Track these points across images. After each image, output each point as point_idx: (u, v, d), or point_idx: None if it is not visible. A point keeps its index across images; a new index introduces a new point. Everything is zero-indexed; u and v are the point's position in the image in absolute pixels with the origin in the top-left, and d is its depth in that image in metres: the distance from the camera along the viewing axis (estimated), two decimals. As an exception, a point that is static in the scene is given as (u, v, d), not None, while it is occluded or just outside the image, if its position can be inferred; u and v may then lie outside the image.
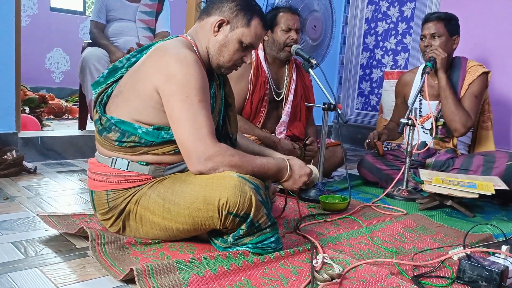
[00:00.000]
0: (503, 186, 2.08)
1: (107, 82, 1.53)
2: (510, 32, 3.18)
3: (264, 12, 2.61)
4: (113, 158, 1.45)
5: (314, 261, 1.39)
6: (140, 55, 1.52)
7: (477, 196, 1.99)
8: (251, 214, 1.33)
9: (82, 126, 3.28)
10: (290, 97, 2.58)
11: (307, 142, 2.49)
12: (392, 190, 2.35)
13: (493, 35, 3.26)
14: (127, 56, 1.55)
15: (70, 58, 5.90)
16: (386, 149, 3.65)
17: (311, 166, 1.67)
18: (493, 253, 1.43)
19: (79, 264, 1.32)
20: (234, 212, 1.32)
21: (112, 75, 1.54)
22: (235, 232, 1.38)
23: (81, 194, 2.06)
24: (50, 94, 4.55)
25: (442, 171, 2.44)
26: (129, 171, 1.44)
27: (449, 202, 2.10)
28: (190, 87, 1.36)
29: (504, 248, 1.40)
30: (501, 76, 3.22)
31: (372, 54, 4.17)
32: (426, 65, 2.45)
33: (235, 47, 1.52)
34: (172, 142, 1.43)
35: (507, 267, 1.30)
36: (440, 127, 2.56)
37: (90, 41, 3.25)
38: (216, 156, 1.36)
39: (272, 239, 1.40)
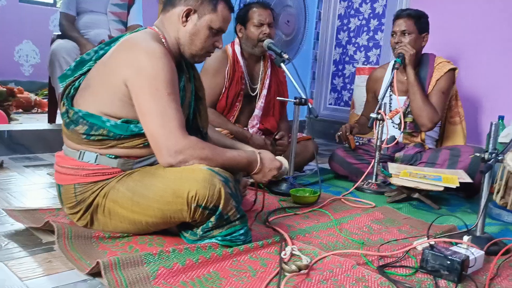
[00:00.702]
0: (467, 179, 2.14)
1: (75, 75, 1.51)
2: (477, 30, 3.27)
3: (237, 10, 2.63)
4: (80, 152, 1.43)
5: (283, 252, 1.40)
6: (108, 47, 1.50)
7: (442, 188, 2.05)
8: (220, 207, 1.34)
9: (51, 120, 3.21)
10: (264, 92, 2.60)
11: (276, 137, 2.52)
12: (362, 183, 2.39)
13: (461, 33, 3.34)
14: (95, 48, 1.53)
15: (40, 51, 5.76)
16: (357, 143, 3.71)
17: (281, 158, 1.69)
18: (456, 243, 1.47)
19: (45, 258, 1.31)
20: (203, 205, 1.32)
21: (79, 67, 1.51)
22: (204, 225, 1.38)
23: (49, 189, 2.03)
24: (19, 87, 4.44)
25: (410, 164, 2.50)
26: (97, 164, 1.42)
27: (416, 195, 2.15)
28: (160, 80, 1.36)
29: (465, 238, 1.45)
30: (469, 73, 3.31)
31: (344, 50, 4.22)
32: (395, 61, 2.49)
33: (205, 34, 1.53)
34: (141, 135, 1.42)
35: (468, 256, 1.35)
36: (408, 122, 2.61)
37: (60, 33, 3.18)
38: (186, 149, 1.36)
39: (242, 231, 1.41)
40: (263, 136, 2.54)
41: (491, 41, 3.21)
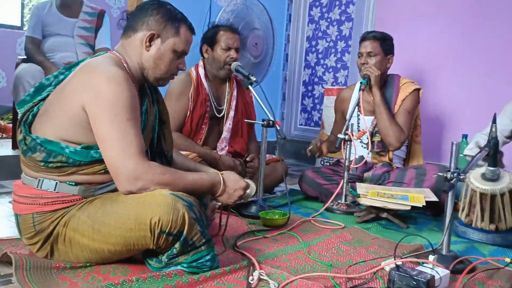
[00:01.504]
0: (433, 198, 2.17)
1: (33, 101, 1.47)
2: (440, 51, 3.37)
3: (205, 31, 2.64)
4: (39, 179, 1.39)
5: (250, 278, 1.38)
6: (68, 72, 1.47)
7: (409, 207, 2.07)
8: (185, 232, 1.31)
9: (16, 146, 3.13)
10: (231, 113, 2.59)
11: (247, 159, 2.51)
12: (332, 204, 2.40)
13: (424, 54, 3.44)
14: (55, 73, 1.50)
15: (6, 75, 5.63)
16: (327, 163, 3.74)
17: (247, 180, 1.67)
18: (422, 263, 1.48)
19: (1, 292, 1.25)
20: (167, 231, 1.29)
21: (39, 93, 1.48)
22: (169, 251, 1.35)
23: (11, 218, 1.96)
24: (-17, 112, 4.32)
25: (379, 184, 2.52)
26: (57, 192, 1.38)
27: (384, 214, 2.17)
28: (119, 106, 1.34)
29: (431, 257, 1.45)
30: (432, 93, 3.39)
31: (313, 71, 4.28)
32: (361, 83, 2.54)
33: (169, 57, 1.53)
34: (102, 161, 1.39)
35: (434, 276, 1.35)
36: (376, 141, 2.65)
37: (25, 57, 3.13)
38: (146, 174, 1.34)
39: (208, 257, 1.38)
40: (233, 158, 2.53)
41: (453, 62, 3.31)
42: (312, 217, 2.22)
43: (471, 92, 3.23)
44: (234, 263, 1.50)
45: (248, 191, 1.63)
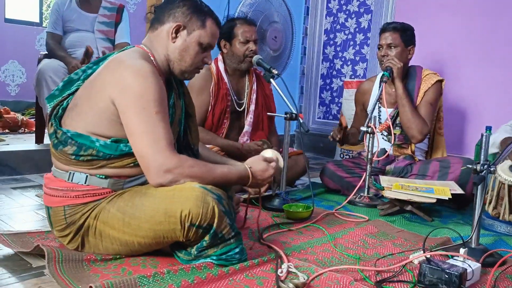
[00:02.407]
0: (459, 190, 2.14)
1: (63, 95, 1.48)
2: (461, 42, 3.32)
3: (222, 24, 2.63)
4: (70, 172, 1.40)
5: (279, 270, 1.38)
6: (97, 66, 1.48)
7: (434, 200, 2.05)
8: (214, 225, 1.32)
9: (39, 140, 3.17)
10: (252, 107, 2.59)
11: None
12: (354, 197, 2.38)
13: (446, 45, 3.39)
14: (83, 67, 1.51)
15: (26, 71, 5.71)
16: (347, 156, 3.72)
17: (271, 153, 1.66)
18: (452, 256, 1.47)
19: (35, 284, 1.27)
20: (196, 224, 1.30)
21: (67, 87, 1.49)
22: (199, 244, 1.36)
23: (38, 211, 1.99)
24: (5, 107, 4.38)
25: (401, 177, 2.50)
26: (88, 185, 1.40)
27: (408, 207, 2.15)
28: (147, 99, 1.35)
29: (462, 251, 1.44)
30: (454, 84, 3.34)
31: (332, 64, 4.25)
32: (383, 75, 2.51)
33: (195, 49, 1.53)
34: (131, 154, 1.39)
35: (466, 269, 1.34)
36: (397, 134, 2.62)
37: (46, 52, 3.16)
38: (176, 168, 1.34)
39: (237, 250, 1.39)
40: (255, 141, 2.52)
41: (475, 53, 3.26)
42: (336, 210, 2.21)
43: (493, 83, 3.18)
44: (261, 256, 1.50)
45: (278, 165, 1.63)
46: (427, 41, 3.28)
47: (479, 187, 1.55)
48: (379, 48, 2.62)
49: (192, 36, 1.52)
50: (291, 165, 2.56)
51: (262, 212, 2.08)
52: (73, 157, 1.39)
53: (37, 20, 5.99)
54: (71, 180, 1.40)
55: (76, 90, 1.48)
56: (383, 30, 2.62)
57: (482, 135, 1.55)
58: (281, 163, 1.68)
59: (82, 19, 3.18)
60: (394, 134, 2.60)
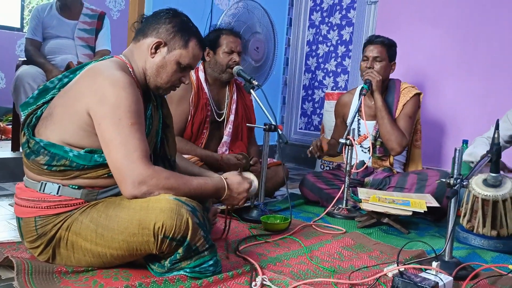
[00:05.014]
0: (435, 203, 2.17)
1: (37, 103, 1.46)
2: (440, 56, 3.37)
3: (207, 34, 2.63)
4: (42, 183, 1.38)
5: (253, 283, 1.38)
6: (73, 75, 1.47)
7: (411, 213, 2.07)
8: (188, 237, 1.31)
9: (15, 147, 3.11)
10: (232, 118, 2.59)
11: (251, 162, 2.50)
12: (333, 209, 2.39)
13: (426, 58, 3.45)
14: (59, 76, 1.49)
15: (6, 76, 5.62)
16: (327, 168, 3.74)
17: (250, 175, 1.67)
18: (425, 269, 1.48)
19: (3, 297, 1.24)
20: (170, 236, 1.29)
21: (43, 95, 1.47)
22: (172, 256, 1.35)
23: (10, 221, 1.95)
24: (-18, 113, 4.31)
25: (380, 189, 2.52)
26: (60, 195, 1.37)
27: (385, 220, 2.17)
28: (123, 110, 1.34)
29: (434, 264, 1.45)
30: (433, 97, 3.40)
31: (314, 75, 4.29)
32: (362, 87, 2.54)
33: (173, 68, 1.52)
34: (105, 165, 1.38)
35: (438, 283, 1.35)
36: (378, 146, 2.65)
37: (25, 59, 3.12)
38: (150, 179, 1.33)
39: (211, 262, 1.38)
40: (234, 154, 2.51)
41: (454, 67, 3.31)
42: (313, 222, 2.22)
43: (472, 97, 3.24)
44: (236, 268, 1.49)
45: (251, 189, 1.63)
46: (407, 54, 3.33)
47: (453, 200, 1.57)
48: (364, 60, 2.64)
49: (172, 54, 1.51)
50: (271, 176, 2.56)
51: (239, 224, 2.08)
52: (46, 167, 1.37)
53: (18, 25, 5.91)
54: (43, 191, 1.38)
55: (52, 98, 1.46)
56: (370, 42, 2.64)
57: (455, 150, 1.57)
58: (256, 185, 1.68)
59: (62, 25, 3.15)
60: (375, 146, 2.63)
